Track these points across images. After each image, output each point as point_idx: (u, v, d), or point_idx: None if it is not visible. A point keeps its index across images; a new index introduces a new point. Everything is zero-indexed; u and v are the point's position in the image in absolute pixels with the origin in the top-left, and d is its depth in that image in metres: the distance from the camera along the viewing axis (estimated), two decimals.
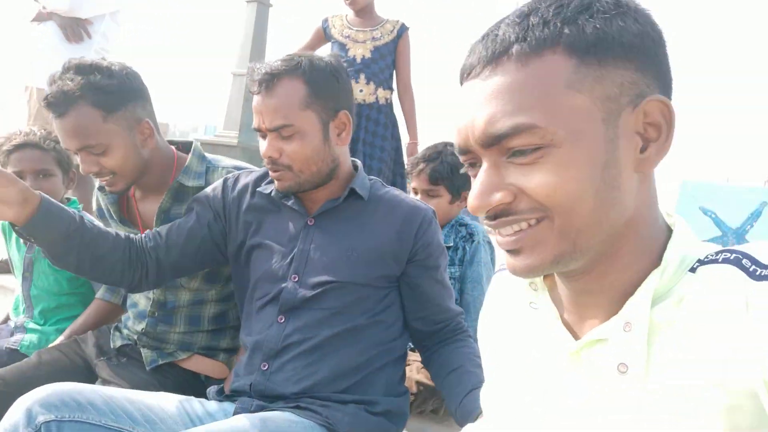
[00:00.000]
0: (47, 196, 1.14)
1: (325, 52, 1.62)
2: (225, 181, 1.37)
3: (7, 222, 1.65)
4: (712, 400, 0.51)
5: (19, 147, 1.70)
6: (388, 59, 2.92)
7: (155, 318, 1.50)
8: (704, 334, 0.52)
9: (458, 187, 1.84)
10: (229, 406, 1.25)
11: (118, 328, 1.59)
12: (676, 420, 0.52)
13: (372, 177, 1.37)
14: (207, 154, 1.53)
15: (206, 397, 1.29)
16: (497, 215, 0.57)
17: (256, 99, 1.21)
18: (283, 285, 1.25)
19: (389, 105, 2.97)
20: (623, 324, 0.56)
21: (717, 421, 0.51)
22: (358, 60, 2.90)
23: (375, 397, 1.22)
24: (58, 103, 1.28)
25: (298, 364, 1.21)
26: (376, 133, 2.91)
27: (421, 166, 1.85)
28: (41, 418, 1.05)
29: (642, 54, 0.55)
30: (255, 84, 1.20)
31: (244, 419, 1.09)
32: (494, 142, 0.55)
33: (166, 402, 1.21)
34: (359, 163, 1.37)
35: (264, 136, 1.22)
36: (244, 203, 1.33)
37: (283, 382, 1.20)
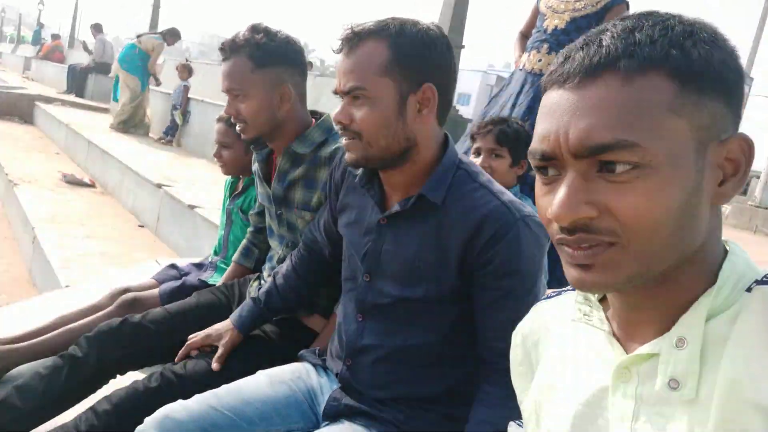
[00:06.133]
0: (236, 318, 1.50)
1: None
2: (333, 165, 1.39)
3: (228, 180, 2.20)
4: (761, 422, 0.50)
5: (218, 120, 2.07)
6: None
7: None
8: (758, 352, 0.52)
9: (519, 153, 1.94)
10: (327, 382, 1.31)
11: (259, 278, 1.74)
12: None
13: (466, 167, 1.17)
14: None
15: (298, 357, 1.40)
16: (577, 229, 0.56)
17: (338, 58, 1.14)
18: (359, 281, 1.24)
19: None
20: (676, 340, 0.56)
21: None
22: (549, 30, 2.76)
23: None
24: (225, 49, 1.54)
25: (378, 369, 1.21)
26: None
27: (489, 127, 1.95)
28: None
29: (731, 90, 0.55)
30: (338, 43, 1.14)
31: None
32: (590, 153, 0.54)
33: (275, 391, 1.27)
34: (452, 146, 1.19)
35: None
36: (345, 184, 1.33)
37: (366, 383, 1.22)
